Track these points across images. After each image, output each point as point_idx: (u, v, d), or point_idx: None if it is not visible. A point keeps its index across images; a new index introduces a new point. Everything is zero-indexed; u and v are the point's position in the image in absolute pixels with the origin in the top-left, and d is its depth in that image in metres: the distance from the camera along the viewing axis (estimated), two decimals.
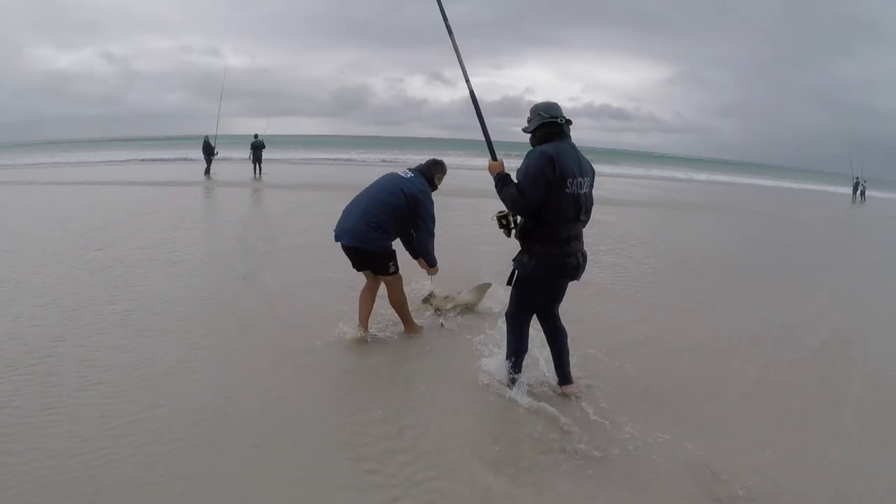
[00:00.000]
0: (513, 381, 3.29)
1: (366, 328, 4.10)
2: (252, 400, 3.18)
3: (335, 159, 32.18)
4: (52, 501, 2.27)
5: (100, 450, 2.63)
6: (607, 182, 22.47)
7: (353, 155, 35.73)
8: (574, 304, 3.80)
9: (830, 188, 36.65)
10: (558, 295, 3.30)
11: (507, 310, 3.32)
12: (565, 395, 3.28)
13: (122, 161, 26.95)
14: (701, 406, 3.33)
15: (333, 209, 4.25)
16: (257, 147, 19.33)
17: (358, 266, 4.06)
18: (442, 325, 4.45)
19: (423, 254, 4.18)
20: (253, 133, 20.00)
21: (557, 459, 2.69)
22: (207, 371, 3.56)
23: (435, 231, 4.09)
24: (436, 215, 4.05)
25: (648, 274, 6.84)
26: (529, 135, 3.10)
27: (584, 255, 3.14)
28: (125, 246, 7.12)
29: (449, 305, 4.73)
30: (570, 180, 2.92)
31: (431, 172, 4.15)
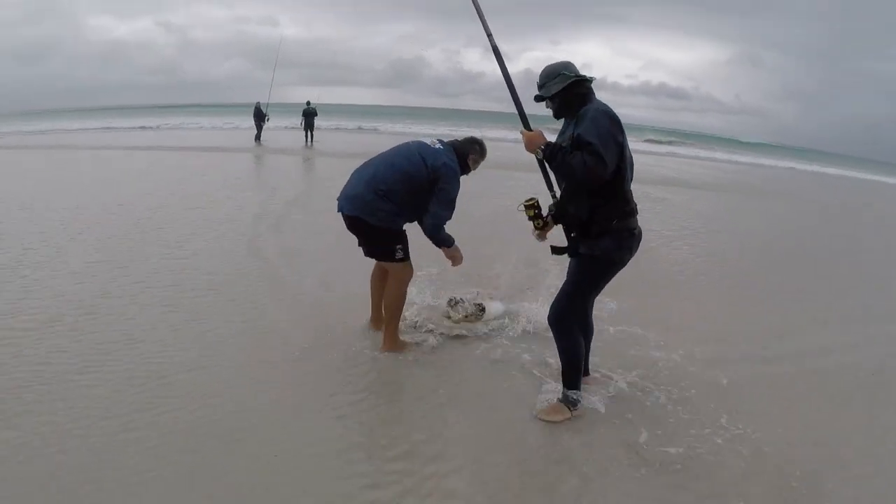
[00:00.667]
0: (575, 404, 2.83)
1: (377, 320, 3.67)
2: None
3: (388, 132, 31.93)
4: (80, 465, 2.32)
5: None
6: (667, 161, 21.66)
7: (408, 126, 35.15)
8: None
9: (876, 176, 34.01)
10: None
11: (558, 308, 2.75)
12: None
13: (174, 127, 27.71)
14: None
15: None
16: (309, 114, 19.17)
17: (363, 246, 3.42)
18: (438, 336, 3.62)
19: (433, 237, 3.31)
20: (305, 101, 19.84)
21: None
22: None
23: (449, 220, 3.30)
24: (457, 201, 3.28)
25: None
26: (546, 104, 2.67)
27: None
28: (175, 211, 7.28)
29: (466, 321, 3.83)
30: (626, 141, 2.57)
31: (466, 150, 3.38)
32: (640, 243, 2.71)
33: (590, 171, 2.39)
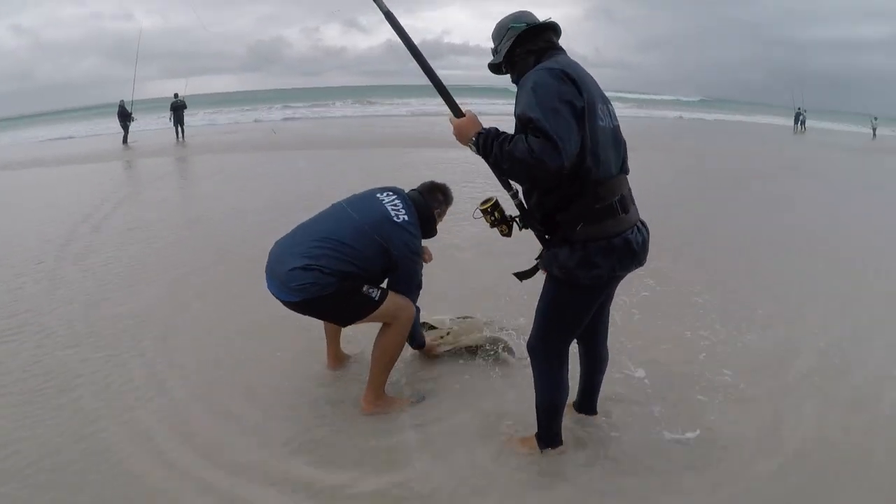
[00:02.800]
0: (553, 440, 2.28)
1: (337, 358, 3.05)
2: None
3: (256, 117, 29.47)
4: None
5: None
6: None
7: (277, 111, 32.71)
8: None
9: (762, 118, 37.23)
10: (610, 295, 2.22)
11: (533, 338, 2.13)
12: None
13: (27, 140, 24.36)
14: None
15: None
16: (178, 108, 17.77)
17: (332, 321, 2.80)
18: (422, 399, 2.81)
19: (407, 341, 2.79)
20: (172, 93, 18.28)
21: None
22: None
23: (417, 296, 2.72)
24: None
25: None
26: (503, 71, 2.01)
27: (645, 226, 2.02)
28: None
29: (446, 347, 3.18)
30: (601, 107, 1.84)
31: (429, 206, 2.67)
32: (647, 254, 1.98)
33: (538, 161, 1.64)
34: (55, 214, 7.10)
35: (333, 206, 2.67)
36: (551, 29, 1.96)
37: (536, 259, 2.06)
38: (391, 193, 2.63)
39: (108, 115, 21.70)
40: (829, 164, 14.12)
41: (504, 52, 1.94)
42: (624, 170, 1.95)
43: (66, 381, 2.95)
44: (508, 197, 2.06)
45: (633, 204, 1.97)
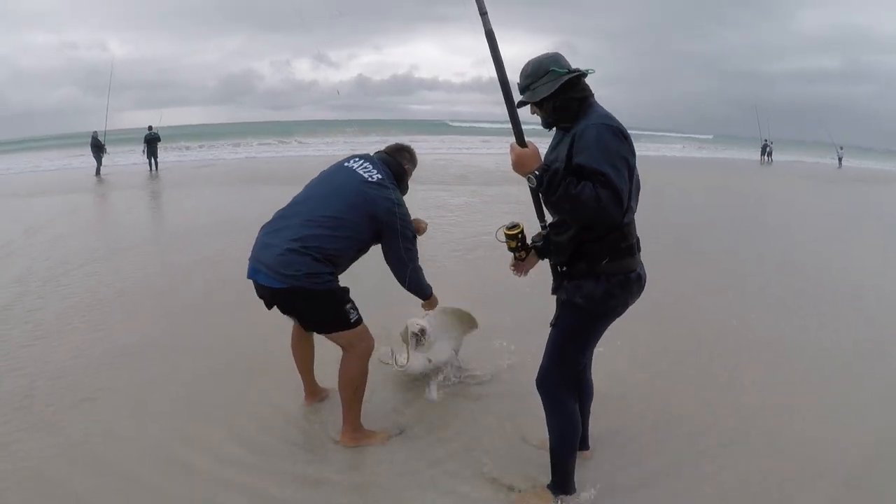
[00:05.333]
0: (567, 485, 2.23)
1: (313, 393, 2.98)
2: None
3: (232, 149, 29.32)
4: None
5: None
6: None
7: (251, 144, 32.32)
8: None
9: (728, 153, 37.13)
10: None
11: (545, 373, 2.16)
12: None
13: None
14: None
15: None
16: (152, 140, 17.59)
17: (302, 322, 2.68)
18: (401, 432, 2.77)
19: (414, 293, 2.78)
20: (147, 125, 18.14)
21: None
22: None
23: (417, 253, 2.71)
24: None
25: None
26: (533, 107, 2.06)
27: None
28: None
29: (432, 378, 3.11)
30: (634, 160, 1.97)
31: (400, 164, 2.71)
32: (643, 290, 2.11)
33: (603, 210, 1.80)
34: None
35: (307, 187, 2.65)
36: (585, 76, 2.03)
37: (553, 292, 2.14)
38: (359, 159, 2.67)
39: (81, 145, 21.36)
40: (814, 202, 13.71)
41: (543, 94, 1.98)
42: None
43: None
44: (539, 228, 2.18)
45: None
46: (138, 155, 18.82)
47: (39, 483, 2.33)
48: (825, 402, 3.06)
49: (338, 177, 2.59)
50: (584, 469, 2.37)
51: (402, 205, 2.57)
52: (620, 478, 2.39)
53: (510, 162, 1.97)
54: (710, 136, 61.20)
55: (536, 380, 2.18)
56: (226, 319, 4.16)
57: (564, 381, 2.15)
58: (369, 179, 2.53)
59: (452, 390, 3.10)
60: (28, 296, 4.83)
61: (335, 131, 39.02)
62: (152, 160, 17.56)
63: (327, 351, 2.78)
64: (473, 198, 10.51)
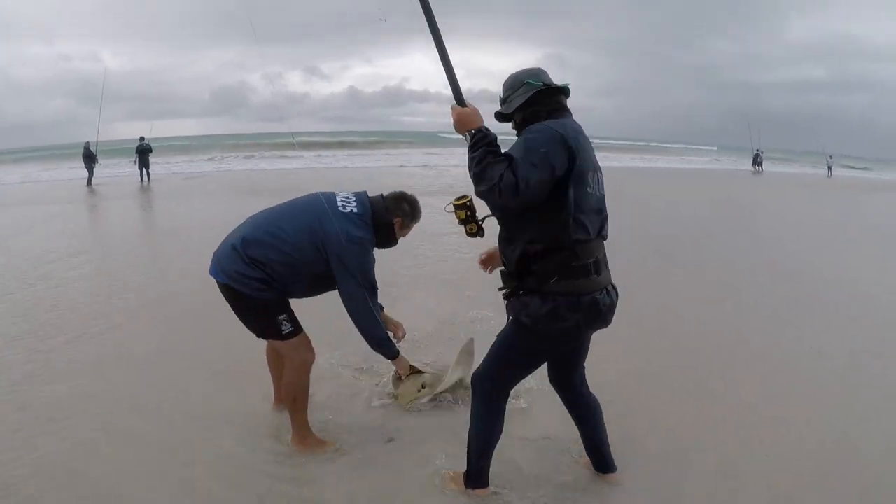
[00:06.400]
0: (478, 479, 2.23)
1: (281, 398, 2.87)
2: None
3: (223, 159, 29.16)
4: None
5: None
6: None
7: (244, 156, 32.17)
8: None
9: (718, 164, 37.54)
10: (581, 350, 2.24)
11: (481, 370, 2.15)
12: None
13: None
14: None
15: None
16: (144, 151, 17.52)
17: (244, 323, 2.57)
18: (391, 439, 2.74)
19: (371, 346, 2.63)
20: (138, 136, 18.09)
21: None
22: None
23: (376, 302, 2.60)
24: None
25: None
26: (509, 120, 2.08)
27: (615, 288, 2.08)
28: None
29: (426, 397, 2.96)
30: (591, 175, 1.94)
31: (388, 213, 2.53)
32: (610, 316, 2.03)
33: (498, 189, 1.79)
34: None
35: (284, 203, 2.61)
36: (562, 91, 2.05)
37: (504, 298, 2.07)
38: (350, 193, 2.57)
39: (73, 156, 21.30)
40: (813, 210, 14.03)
41: (517, 104, 2.02)
42: (602, 235, 2.03)
43: None
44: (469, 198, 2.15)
45: (607, 268, 2.05)
46: (129, 167, 18.77)
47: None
48: (820, 413, 3.03)
49: (311, 199, 2.53)
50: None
51: (357, 243, 2.41)
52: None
53: (452, 122, 2.02)
54: (715, 148, 61.43)
55: (473, 375, 2.19)
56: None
57: (496, 389, 2.14)
58: (341, 210, 2.45)
59: (447, 406, 3.01)
60: (17, 306, 4.76)
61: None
62: (144, 171, 17.48)
63: None
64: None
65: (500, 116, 2.11)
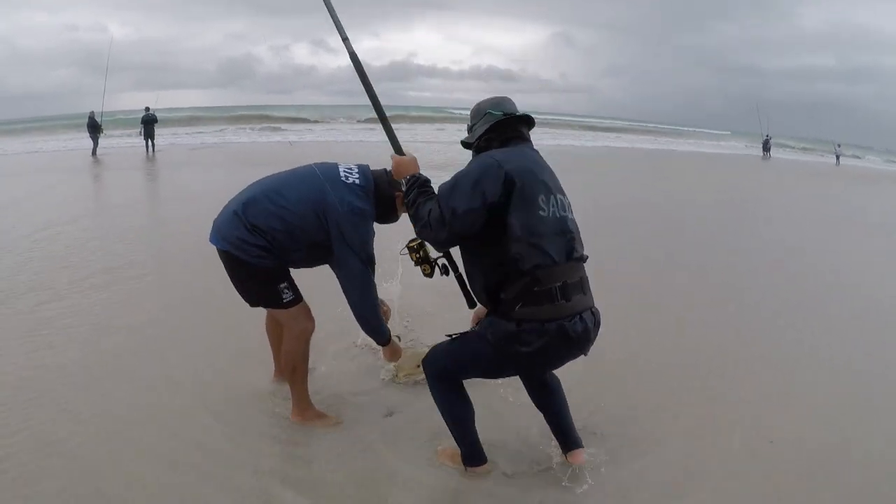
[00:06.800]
0: (473, 457, 2.24)
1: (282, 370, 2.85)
2: None
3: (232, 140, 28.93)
4: None
5: None
6: None
7: (247, 129, 31.64)
8: None
9: (726, 148, 37.20)
10: (547, 369, 2.23)
11: (434, 360, 2.17)
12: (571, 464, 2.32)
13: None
14: None
15: None
16: (148, 122, 17.49)
17: (239, 292, 2.55)
18: (391, 413, 2.75)
19: (363, 326, 2.54)
20: (144, 107, 18.10)
21: None
22: None
23: (373, 279, 2.50)
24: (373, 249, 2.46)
25: None
26: (473, 150, 2.11)
27: (596, 315, 2.03)
28: None
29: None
30: (543, 197, 1.92)
31: (390, 187, 2.45)
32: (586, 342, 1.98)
33: (428, 224, 1.93)
34: None
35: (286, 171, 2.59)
36: (524, 121, 2.10)
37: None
38: (353, 165, 2.53)
39: (79, 126, 21.13)
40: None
41: (478, 133, 2.07)
42: (573, 258, 1.97)
43: None
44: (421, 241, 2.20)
45: (584, 293, 1.99)
46: (134, 137, 18.73)
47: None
48: (820, 414, 2.99)
49: (313, 168, 2.48)
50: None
51: (357, 213, 2.36)
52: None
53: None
54: (728, 132, 60.66)
55: (423, 360, 2.22)
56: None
57: (452, 379, 2.16)
58: (344, 180, 2.40)
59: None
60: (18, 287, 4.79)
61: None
62: (149, 142, 17.46)
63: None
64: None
65: (465, 145, 2.17)
